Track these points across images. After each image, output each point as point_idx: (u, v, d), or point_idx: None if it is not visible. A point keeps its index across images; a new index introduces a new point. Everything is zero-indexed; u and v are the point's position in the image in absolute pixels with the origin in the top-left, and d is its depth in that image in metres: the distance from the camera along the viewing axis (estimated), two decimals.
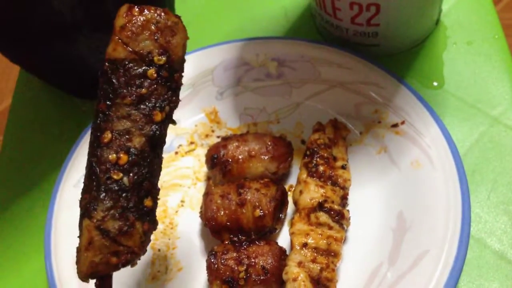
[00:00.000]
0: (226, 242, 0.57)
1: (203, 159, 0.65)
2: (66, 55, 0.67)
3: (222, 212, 0.58)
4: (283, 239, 0.60)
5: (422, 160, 0.59)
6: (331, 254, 0.54)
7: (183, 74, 0.46)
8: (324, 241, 0.54)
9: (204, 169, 0.66)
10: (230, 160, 0.62)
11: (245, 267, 0.54)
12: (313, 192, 0.58)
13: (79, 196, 0.47)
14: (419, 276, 0.52)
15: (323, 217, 0.56)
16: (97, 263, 0.42)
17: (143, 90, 0.43)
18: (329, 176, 0.59)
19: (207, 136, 0.69)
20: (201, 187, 0.66)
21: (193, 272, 0.60)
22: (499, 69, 0.68)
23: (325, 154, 0.60)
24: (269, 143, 0.62)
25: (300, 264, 0.53)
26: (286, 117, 0.68)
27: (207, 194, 0.60)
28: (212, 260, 0.55)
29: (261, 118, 0.69)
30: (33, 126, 0.76)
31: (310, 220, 0.56)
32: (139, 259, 0.45)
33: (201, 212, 0.61)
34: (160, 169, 0.45)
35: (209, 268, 0.55)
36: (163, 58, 0.43)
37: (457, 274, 0.51)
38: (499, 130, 0.64)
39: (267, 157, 0.61)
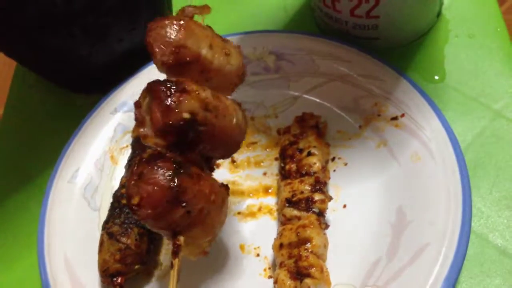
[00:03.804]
0: None
1: None
2: (60, 48, 0.67)
3: None
4: None
5: (422, 153, 0.57)
6: (302, 243, 0.52)
7: None
8: (294, 234, 0.53)
9: None
10: None
11: None
12: (283, 193, 0.57)
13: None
14: (418, 270, 0.50)
15: (289, 211, 0.55)
16: (107, 260, 0.54)
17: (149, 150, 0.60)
18: (297, 170, 0.58)
19: None
20: None
21: (189, 268, 0.59)
22: (501, 63, 0.67)
23: (291, 152, 0.59)
24: None
25: (281, 265, 0.52)
26: (284, 111, 0.67)
27: None
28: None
29: (259, 112, 0.68)
30: (28, 121, 0.75)
31: (283, 221, 0.55)
32: (142, 265, 0.56)
33: None
34: None
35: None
36: None
37: (457, 269, 0.49)
38: (501, 124, 0.62)
39: None
